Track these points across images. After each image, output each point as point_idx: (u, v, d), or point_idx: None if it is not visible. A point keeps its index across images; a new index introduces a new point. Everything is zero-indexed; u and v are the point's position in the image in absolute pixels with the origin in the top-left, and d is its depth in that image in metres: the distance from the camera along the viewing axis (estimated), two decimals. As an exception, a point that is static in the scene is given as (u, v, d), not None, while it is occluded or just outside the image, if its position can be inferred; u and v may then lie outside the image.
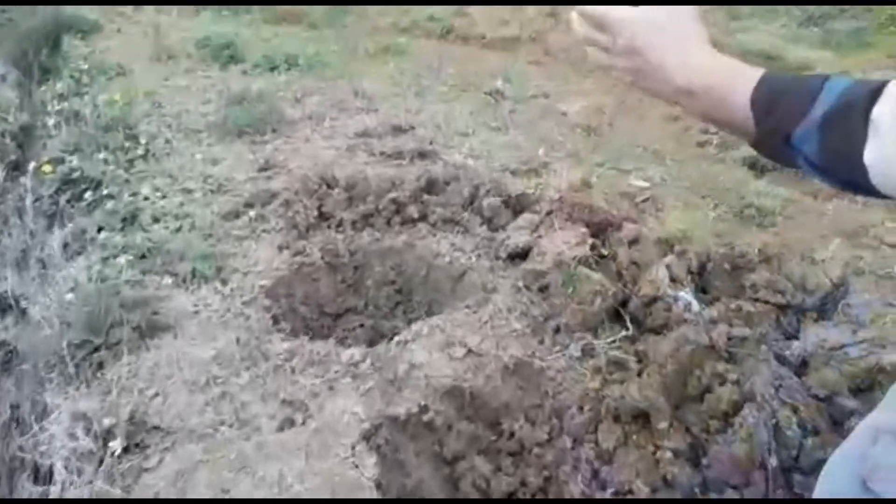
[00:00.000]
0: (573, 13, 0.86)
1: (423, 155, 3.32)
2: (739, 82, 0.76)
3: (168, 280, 2.40)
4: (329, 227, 2.79)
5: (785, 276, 2.11)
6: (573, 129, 3.78)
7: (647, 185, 3.12)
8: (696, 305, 2.00)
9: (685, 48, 0.79)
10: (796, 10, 5.62)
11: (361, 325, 2.68)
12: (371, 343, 2.54)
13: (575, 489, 1.80)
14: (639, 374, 1.87)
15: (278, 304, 2.43)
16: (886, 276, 2.39)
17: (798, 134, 0.72)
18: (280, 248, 2.66)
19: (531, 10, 5.90)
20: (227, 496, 1.67)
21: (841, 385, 1.74)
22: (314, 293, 2.61)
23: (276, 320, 2.35)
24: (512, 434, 2.02)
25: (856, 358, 1.82)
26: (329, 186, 2.93)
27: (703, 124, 3.64)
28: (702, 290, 2.19)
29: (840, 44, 4.96)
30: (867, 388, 1.73)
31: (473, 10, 6.13)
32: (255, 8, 6.54)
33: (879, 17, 5.21)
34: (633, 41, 0.80)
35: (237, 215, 2.85)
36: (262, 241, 2.70)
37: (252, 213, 2.84)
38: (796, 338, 1.93)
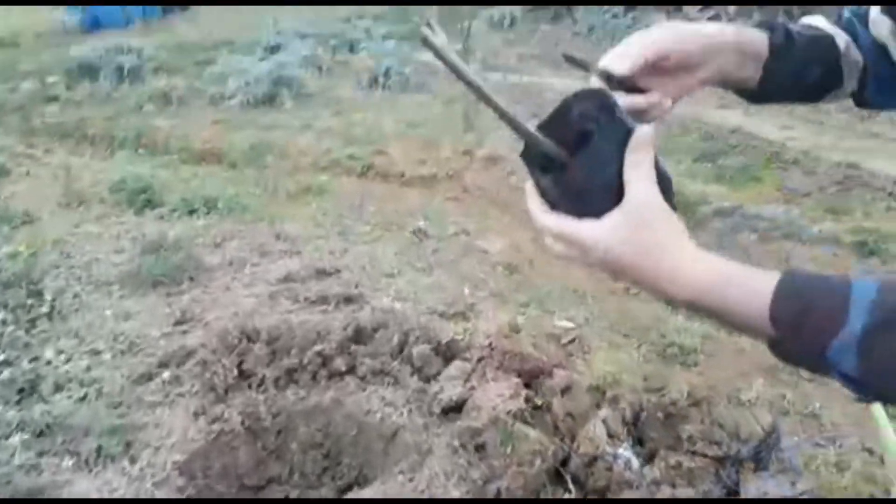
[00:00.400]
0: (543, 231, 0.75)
1: (349, 300, 3.26)
2: (752, 294, 0.69)
3: (69, 462, 2.17)
4: (250, 386, 2.64)
5: (717, 424, 2.13)
6: (495, 267, 3.85)
7: (571, 325, 3.16)
8: (635, 463, 1.97)
9: (673, 260, 0.70)
10: (693, 146, 6.13)
11: (286, 497, 2.48)
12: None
13: None
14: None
15: (193, 482, 2.22)
16: (810, 414, 2.46)
17: (834, 350, 0.66)
18: (196, 415, 2.47)
19: (448, 149, 6.17)
20: None
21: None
22: (233, 465, 2.42)
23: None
24: None
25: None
26: (250, 340, 2.80)
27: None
28: (638, 442, 2.16)
29: (732, 178, 5.40)
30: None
31: (392, 148, 6.35)
32: (174, 147, 6.54)
33: (765, 155, 5.75)
34: (613, 264, 0.71)
35: (150, 377, 2.67)
36: (177, 407, 2.52)
37: (166, 374, 2.67)
38: (737, 491, 1.92)
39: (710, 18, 9.87)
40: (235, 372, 2.65)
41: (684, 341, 3.04)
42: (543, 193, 0.70)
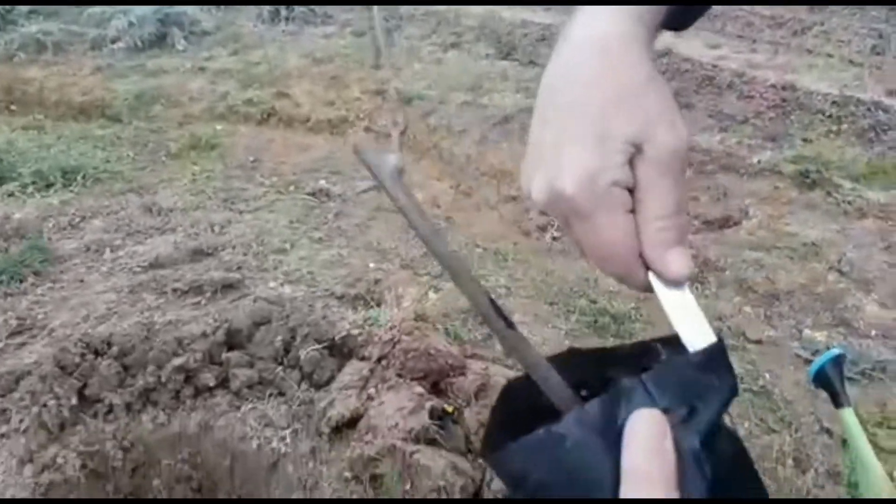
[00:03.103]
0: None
1: (227, 287, 2.75)
2: None
3: None
4: (95, 415, 2.13)
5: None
6: (407, 230, 3.37)
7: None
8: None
9: None
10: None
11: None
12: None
13: None
14: None
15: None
16: (762, 390, 2.13)
17: None
18: (22, 462, 1.97)
19: (357, 87, 5.55)
20: None
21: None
22: (73, 521, 1.94)
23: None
24: None
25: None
26: (97, 355, 2.28)
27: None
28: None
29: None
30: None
31: (296, 89, 5.68)
32: (50, 101, 5.72)
33: (697, 79, 5.35)
34: None
35: (-34, 415, 2.13)
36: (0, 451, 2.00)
37: (-13, 409, 2.13)
38: None
39: None
40: (75, 399, 2.14)
41: (617, 307, 2.67)
42: None
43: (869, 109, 4.46)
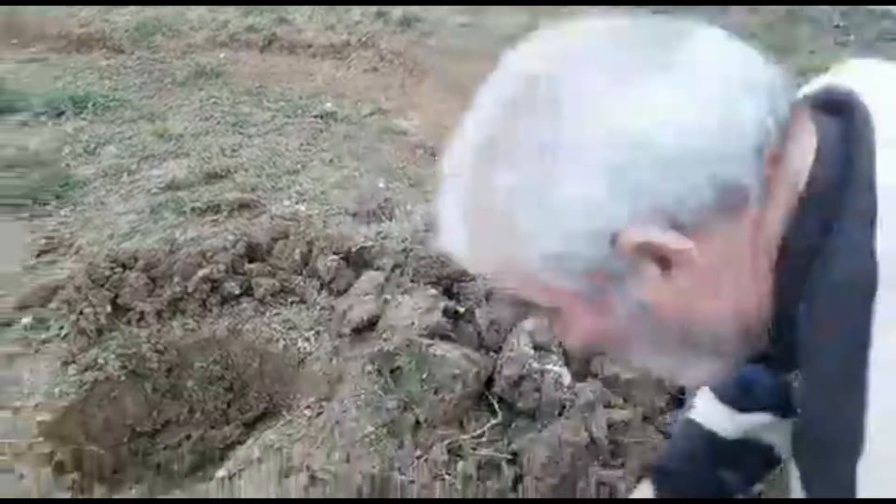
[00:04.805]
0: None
1: (244, 206, 2.85)
2: None
3: None
4: (128, 322, 2.27)
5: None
6: (414, 151, 3.44)
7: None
8: (566, 379, 1.72)
9: None
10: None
11: (188, 437, 2.20)
12: (201, 463, 2.09)
13: None
14: (514, 485, 1.56)
15: (65, 446, 1.90)
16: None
17: None
18: (65, 364, 2.11)
19: (357, 11, 5.49)
20: None
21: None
22: (118, 416, 2.10)
23: (60, 469, 1.83)
24: (377, 570, 1.66)
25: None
26: (125, 268, 2.40)
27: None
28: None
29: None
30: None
31: (296, 14, 5.63)
32: (50, 34, 5.67)
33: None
34: None
35: (8, 324, 2.26)
36: (42, 356, 2.15)
37: (27, 319, 2.27)
38: (683, 398, 1.71)
39: None
40: (109, 308, 2.27)
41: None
42: None
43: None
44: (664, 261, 0.51)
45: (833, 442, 0.50)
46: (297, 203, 2.87)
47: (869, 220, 0.48)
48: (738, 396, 0.88)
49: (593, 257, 0.52)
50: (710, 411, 0.91)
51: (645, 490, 0.96)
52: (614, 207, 0.50)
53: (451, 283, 2.29)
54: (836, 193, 0.50)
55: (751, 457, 0.88)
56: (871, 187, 0.48)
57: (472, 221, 0.57)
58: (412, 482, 1.70)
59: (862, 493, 0.47)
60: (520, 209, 0.52)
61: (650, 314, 0.55)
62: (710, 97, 0.49)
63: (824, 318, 0.50)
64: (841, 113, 0.54)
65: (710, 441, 0.89)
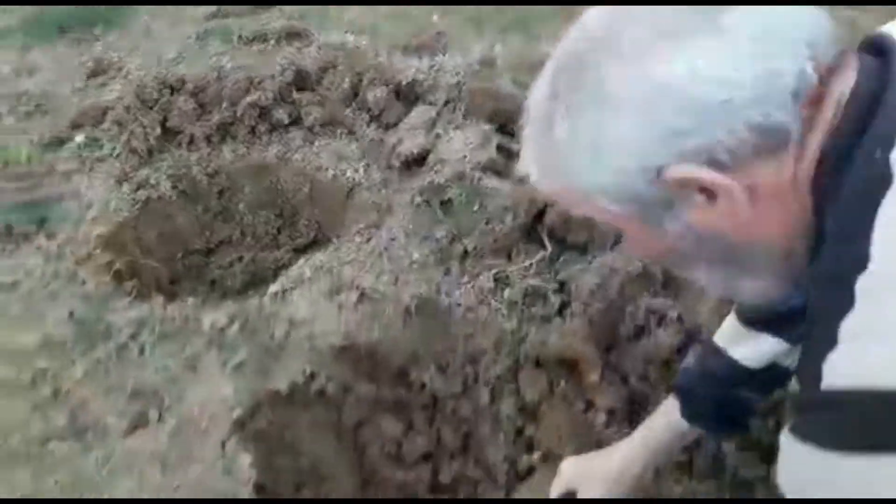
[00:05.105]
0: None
1: (291, 35, 2.74)
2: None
3: (-30, 244, 1.90)
4: (179, 145, 2.27)
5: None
6: (471, -14, 3.21)
7: (558, 51, 2.67)
8: (622, 214, 1.66)
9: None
10: None
11: (240, 258, 2.26)
12: (252, 282, 2.16)
13: (496, 453, 1.54)
14: (560, 311, 1.56)
15: (122, 257, 1.97)
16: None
17: None
18: (119, 182, 2.14)
19: None
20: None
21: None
22: (171, 233, 2.15)
23: (119, 277, 1.90)
24: (423, 385, 1.72)
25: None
26: (173, 91, 2.36)
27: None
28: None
29: None
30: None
31: None
32: None
33: None
34: None
35: (61, 142, 2.29)
36: (96, 174, 2.17)
37: (80, 138, 2.28)
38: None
39: None
40: (159, 130, 2.26)
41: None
42: None
43: None
44: (708, 192, 0.57)
45: (810, 337, 0.57)
46: (346, 33, 2.74)
47: (889, 142, 0.53)
48: (766, 320, 0.94)
49: (641, 189, 0.59)
50: (734, 336, 0.99)
51: (671, 406, 1.07)
52: (657, 147, 0.56)
53: (505, 120, 2.20)
54: (864, 120, 0.55)
55: (769, 378, 0.98)
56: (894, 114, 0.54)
57: (540, 156, 0.64)
58: (459, 305, 1.72)
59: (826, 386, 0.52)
60: (577, 149, 0.60)
61: (698, 236, 0.62)
62: (751, 51, 0.54)
63: (836, 224, 0.56)
64: (883, 54, 0.60)
65: (733, 367, 0.98)
